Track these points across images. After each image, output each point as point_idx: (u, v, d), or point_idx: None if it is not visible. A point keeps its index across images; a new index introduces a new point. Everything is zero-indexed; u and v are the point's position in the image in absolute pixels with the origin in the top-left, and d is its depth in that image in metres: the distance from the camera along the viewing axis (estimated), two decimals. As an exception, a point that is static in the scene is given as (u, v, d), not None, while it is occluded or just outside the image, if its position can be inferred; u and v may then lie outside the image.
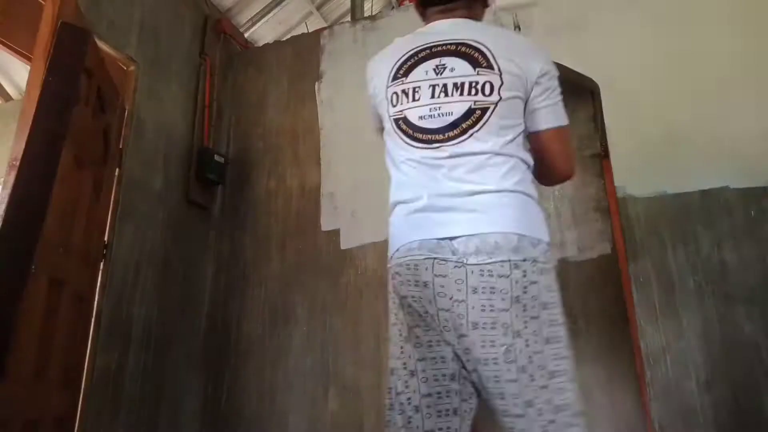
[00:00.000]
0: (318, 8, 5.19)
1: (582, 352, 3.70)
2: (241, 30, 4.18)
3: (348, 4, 4.57)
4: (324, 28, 3.62)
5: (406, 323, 1.21)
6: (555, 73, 1.26)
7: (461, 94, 1.18)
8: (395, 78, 1.27)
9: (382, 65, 1.33)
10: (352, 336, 2.79)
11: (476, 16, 1.35)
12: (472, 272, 1.10)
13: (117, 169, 2.68)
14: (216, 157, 3.28)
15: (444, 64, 1.21)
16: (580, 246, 3.89)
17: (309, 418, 2.73)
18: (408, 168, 1.23)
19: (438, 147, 1.18)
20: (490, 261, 1.10)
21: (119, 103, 2.68)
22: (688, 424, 2.18)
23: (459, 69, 1.20)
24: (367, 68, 1.43)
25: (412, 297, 1.18)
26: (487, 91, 1.17)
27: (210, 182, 3.28)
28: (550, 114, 1.24)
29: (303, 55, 3.48)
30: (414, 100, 1.22)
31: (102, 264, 2.52)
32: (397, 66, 1.27)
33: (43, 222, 1.82)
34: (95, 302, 2.44)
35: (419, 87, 1.22)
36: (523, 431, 1.09)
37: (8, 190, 1.78)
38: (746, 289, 2.25)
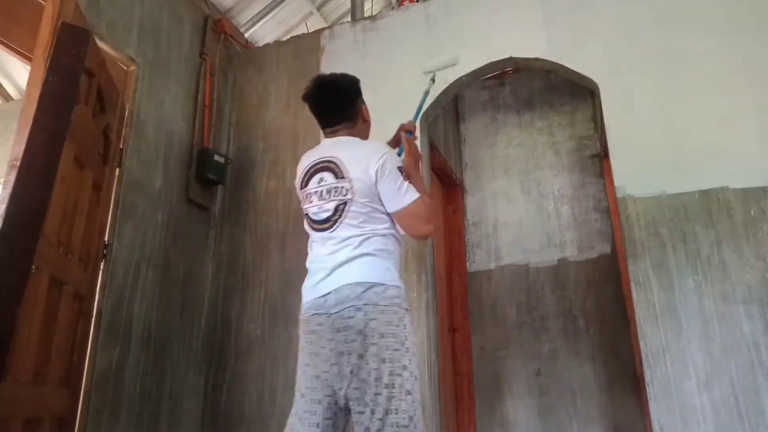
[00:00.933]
0: (318, 8, 5.20)
1: (582, 351, 3.70)
2: (242, 30, 4.18)
3: (348, 4, 4.58)
4: (324, 29, 3.62)
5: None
6: (390, 166, 1.71)
7: (331, 196, 1.72)
8: (302, 186, 1.82)
9: (297, 172, 1.88)
10: (352, 336, 2.79)
11: (355, 131, 1.86)
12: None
13: (117, 169, 2.68)
14: (216, 157, 3.28)
15: (322, 177, 1.76)
16: (579, 246, 3.90)
17: (309, 417, 2.73)
18: (313, 245, 1.78)
19: (324, 232, 1.72)
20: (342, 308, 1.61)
21: (119, 103, 2.68)
22: (688, 424, 2.18)
23: (328, 179, 1.74)
24: (299, 163, 1.91)
25: None
26: (344, 192, 1.70)
27: (210, 182, 3.29)
28: (392, 200, 1.71)
29: (303, 55, 3.48)
30: (309, 202, 1.78)
31: (102, 264, 2.52)
32: (301, 177, 1.83)
33: (44, 222, 1.82)
34: (95, 302, 2.45)
35: (312, 193, 1.77)
36: (362, 424, 1.52)
37: (9, 190, 1.78)
38: (746, 288, 2.25)
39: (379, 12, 3.57)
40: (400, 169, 1.75)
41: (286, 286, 3.02)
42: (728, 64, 2.51)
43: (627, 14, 2.76)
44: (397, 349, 1.56)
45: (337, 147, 1.81)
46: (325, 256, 1.70)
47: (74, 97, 2.02)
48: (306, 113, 3.35)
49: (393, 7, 4.82)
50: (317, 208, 1.74)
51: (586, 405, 3.61)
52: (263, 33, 4.81)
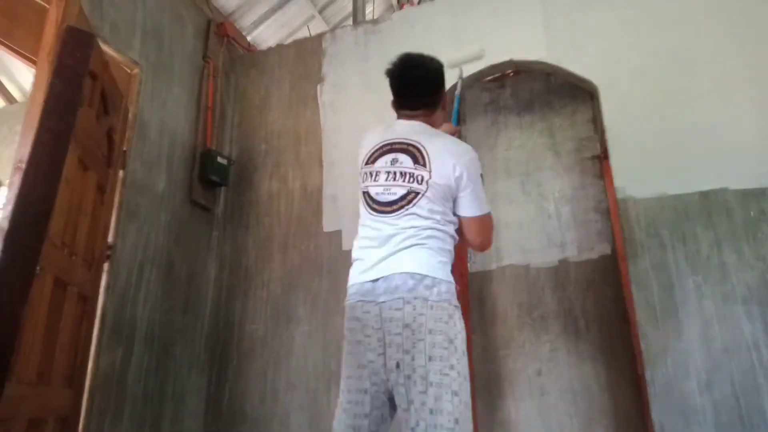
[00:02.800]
0: (320, 12, 5.21)
1: (582, 352, 3.71)
2: (244, 33, 4.20)
3: (350, 7, 4.59)
4: (326, 32, 3.64)
5: None
6: (475, 172, 1.66)
7: (404, 181, 1.62)
8: (367, 162, 1.72)
9: (363, 147, 1.78)
10: (354, 336, 2.81)
11: (432, 122, 1.77)
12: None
13: (121, 171, 2.70)
14: (219, 159, 3.30)
15: (397, 158, 1.66)
16: (580, 246, 3.90)
17: (311, 417, 2.75)
18: (365, 228, 1.68)
19: (385, 216, 1.62)
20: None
21: (123, 106, 2.70)
22: (689, 424, 2.18)
23: (405, 162, 1.64)
24: (361, 140, 1.83)
25: None
26: (420, 180, 1.61)
27: (213, 184, 3.30)
28: (471, 205, 1.65)
29: (305, 57, 3.50)
30: (374, 181, 1.67)
31: (106, 265, 2.54)
32: (370, 153, 1.72)
33: (48, 223, 1.84)
34: (99, 303, 2.46)
35: (380, 172, 1.67)
36: (407, 422, 1.46)
37: (14, 192, 1.80)
38: (746, 289, 2.26)
39: (381, 15, 3.59)
40: (482, 176, 1.69)
41: (288, 287, 3.04)
42: (728, 66, 2.52)
43: (626, 16, 2.77)
44: (445, 348, 1.49)
45: (419, 133, 1.70)
46: (380, 242, 1.60)
47: (78, 99, 2.04)
48: (308, 115, 3.40)
49: (394, 10, 4.83)
50: (383, 188, 1.64)
51: (587, 405, 3.61)
52: (266, 36, 4.83)
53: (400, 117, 1.79)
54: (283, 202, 3.25)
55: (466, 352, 1.54)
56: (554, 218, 4.04)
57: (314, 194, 3.17)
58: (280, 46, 3.77)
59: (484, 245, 1.78)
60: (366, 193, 1.69)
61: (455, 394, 1.45)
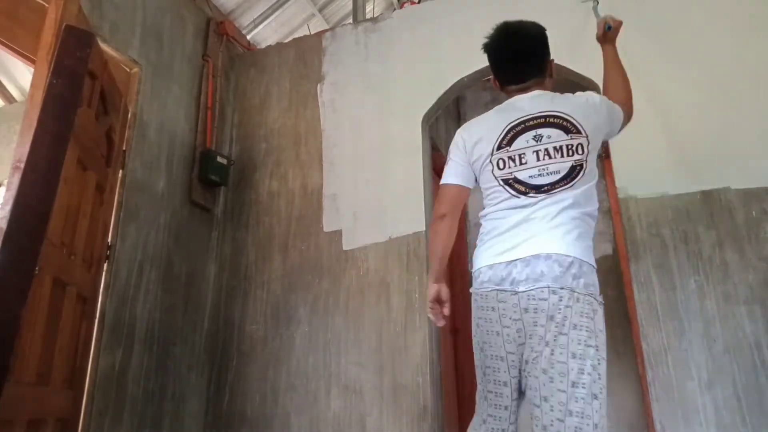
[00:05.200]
0: (320, 10, 5.20)
1: (584, 352, 3.71)
2: (244, 32, 4.19)
3: (350, 6, 4.58)
4: (326, 30, 3.63)
5: None
6: (605, 104, 1.66)
7: (562, 156, 1.50)
8: (500, 147, 1.58)
9: (480, 135, 1.64)
10: (354, 336, 2.80)
11: (546, 88, 1.68)
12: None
13: (120, 171, 2.69)
14: (218, 159, 3.29)
15: (541, 134, 1.53)
16: (581, 247, 3.89)
17: (311, 418, 2.74)
18: (499, 214, 1.57)
19: (537, 197, 1.51)
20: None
21: (122, 105, 2.69)
22: (690, 424, 2.18)
23: (554, 136, 1.52)
24: (463, 132, 1.73)
25: None
26: (581, 150, 1.51)
27: (212, 183, 3.29)
28: (615, 101, 1.70)
29: (305, 56, 3.49)
30: (521, 164, 1.53)
31: (105, 265, 2.53)
32: (499, 137, 1.58)
33: (47, 223, 1.83)
34: (98, 303, 2.46)
35: (524, 153, 1.53)
36: (538, 419, 1.38)
37: (12, 192, 1.79)
38: (748, 289, 2.25)
39: (381, 14, 3.57)
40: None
41: (289, 287, 3.03)
42: (730, 65, 2.51)
43: (627, 15, 2.76)
44: (589, 345, 1.39)
45: (546, 102, 1.60)
46: (521, 222, 1.50)
47: (78, 99, 2.03)
48: (308, 114, 3.39)
49: (395, 9, 4.82)
50: (537, 170, 1.52)
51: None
52: (265, 35, 4.82)
53: (511, 94, 1.69)
54: (283, 201, 3.24)
55: (606, 356, 1.44)
56: (555, 218, 4.03)
57: (314, 194, 3.16)
58: (279, 45, 3.76)
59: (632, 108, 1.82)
60: (512, 180, 1.55)
61: (595, 397, 1.36)
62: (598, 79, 2.72)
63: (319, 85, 3.36)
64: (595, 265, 1.51)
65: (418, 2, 3.80)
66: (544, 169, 1.51)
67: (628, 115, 1.75)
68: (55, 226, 1.95)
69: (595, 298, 1.46)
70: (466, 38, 3.04)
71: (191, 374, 3.00)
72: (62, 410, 2.13)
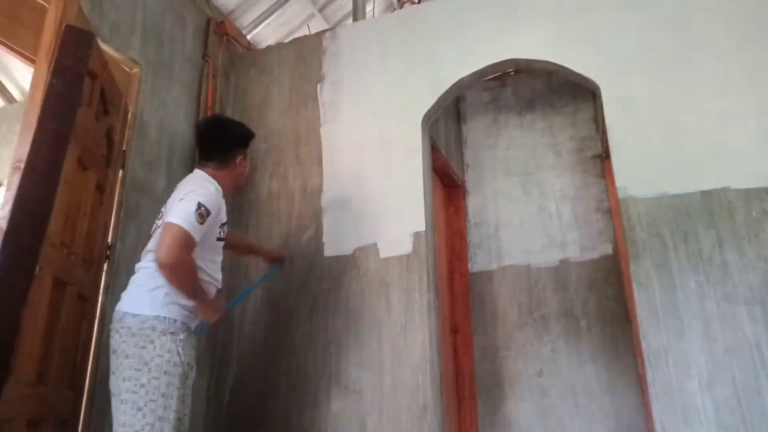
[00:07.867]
0: (320, 10, 5.20)
1: (583, 352, 3.71)
2: (244, 32, 4.19)
3: (350, 6, 4.57)
4: (326, 30, 3.63)
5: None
6: (186, 191, 1.99)
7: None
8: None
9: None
10: (354, 337, 2.80)
11: (218, 169, 2.30)
12: None
13: (120, 171, 2.69)
14: (218, 159, 3.28)
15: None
16: (581, 246, 3.90)
17: (311, 418, 2.74)
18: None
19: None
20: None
21: (122, 105, 2.69)
22: (690, 424, 2.18)
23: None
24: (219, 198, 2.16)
25: None
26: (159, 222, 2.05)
27: (212, 183, 3.29)
28: (170, 212, 1.92)
29: (305, 56, 3.49)
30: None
31: (105, 265, 2.53)
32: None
33: (48, 223, 1.83)
34: (99, 303, 2.45)
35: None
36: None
37: (13, 192, 1.79)
38: (747, 289, 2.25)
39: (381, 14, 3.58)
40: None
41: (288, 287, 3.03)
42: (729, 65, 2.51)
43: (628, 15, 2.76)
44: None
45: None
46: None
47: (78, 99, 2.03)
48: (308, 114, 3.39)
49: (394, 9, 4.82)
50: None
51: (588, 405, 3.61)
52: (265, 35, 4.81)
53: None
54: (283, 201, 3.24)
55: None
56: (555, 218, 4.04)
57: (314, 194, 3.16)
58: (279, 45, 3.76)
59: (160, 257, 1.92)
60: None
61: (138, 409, 1.79)
62: (600, 80, 2.73)
63: (319, 85, 3.36)
64: (147, 313, 1.97)
65: (418, 2, 3.80)
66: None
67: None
68: (55, 226, 1.96)
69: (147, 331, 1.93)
70: (466, 38, 3.04)
71: (191, 374, 2.99)
72: (62, 410, 2.13)
